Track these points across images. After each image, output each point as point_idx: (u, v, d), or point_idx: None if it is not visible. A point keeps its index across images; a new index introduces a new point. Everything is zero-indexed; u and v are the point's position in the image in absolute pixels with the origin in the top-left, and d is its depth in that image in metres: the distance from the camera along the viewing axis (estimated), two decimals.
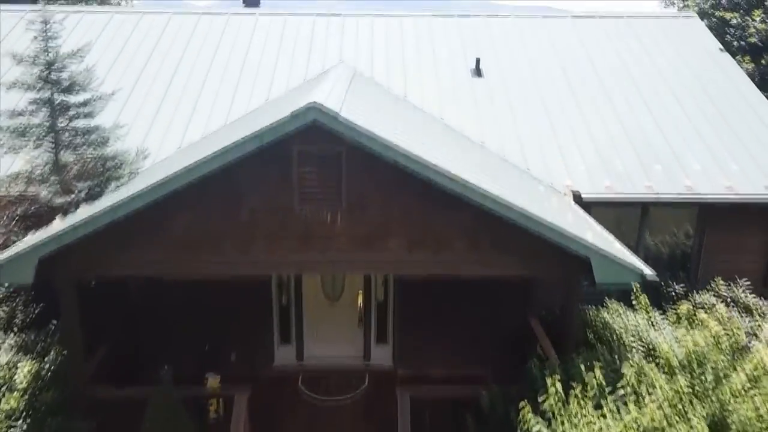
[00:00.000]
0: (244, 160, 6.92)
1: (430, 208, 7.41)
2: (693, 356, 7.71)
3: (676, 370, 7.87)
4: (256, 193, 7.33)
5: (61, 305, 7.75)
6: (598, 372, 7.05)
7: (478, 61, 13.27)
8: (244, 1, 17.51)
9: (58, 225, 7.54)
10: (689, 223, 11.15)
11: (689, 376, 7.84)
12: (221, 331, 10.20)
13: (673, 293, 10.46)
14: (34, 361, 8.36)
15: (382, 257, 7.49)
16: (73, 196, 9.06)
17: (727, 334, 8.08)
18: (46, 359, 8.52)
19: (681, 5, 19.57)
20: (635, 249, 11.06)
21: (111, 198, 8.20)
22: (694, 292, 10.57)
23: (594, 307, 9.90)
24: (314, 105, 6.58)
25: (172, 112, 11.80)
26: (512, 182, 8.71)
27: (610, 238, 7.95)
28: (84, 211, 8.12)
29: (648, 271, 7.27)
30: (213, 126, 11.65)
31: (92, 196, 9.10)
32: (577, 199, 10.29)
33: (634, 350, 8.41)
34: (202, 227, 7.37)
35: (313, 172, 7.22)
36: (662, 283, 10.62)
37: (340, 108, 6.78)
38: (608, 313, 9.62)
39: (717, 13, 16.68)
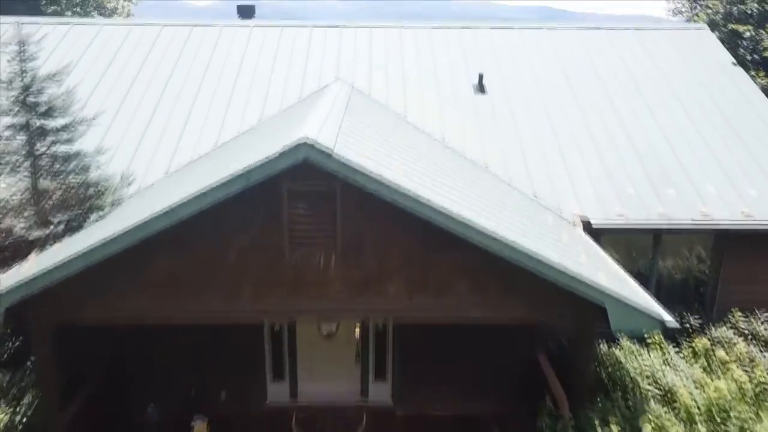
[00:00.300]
0: (229, 199, 6.36)
1: (431, 248, 6.86)
2: (716, 406, 7.17)
3: (697, 419, 7.33)
4: (243, 235, 6.77)
5: (35, 352, 7.20)
6: (615, 429, 6.50)
7: (480, 77, 12.70)
8: (239, 12, 16.94)
9: (30, 267, 6.98)
10: (705, 249, 10.59)
11: (710, 424, 7.31)
12: (210, 367, 9.64)
13: (689, 327, 9.89)
14: (8, 407, 7.84)
15: (380, 303, 6.94)
16: (51, 228, 8.53)
17: (752, 381, 7.54)
18: (21, 403, 7.99)
19: (690, 14, 18.95)
20: (647, 277, 10.57)
21: (88, 235, 7.65)
22: (711, 324, 10.00)
23: (605, 341, 9.36)
24: (305, 141, 6.03)
25: (161, 132, 11.24)
26: (518, 215, 8.14)
27: (627, 278, 7.39)
28: (59, 250, 7.57)
29: (668, 317, 6.71)
30: (204, 147, 11.09)
31: (71, 229, 8.56)
32: (587, 226, 9.74)
33: (651, 396, 7.84)
34: (185, 271, 6.81)
35: (305, 212, 6.66)
36: (677, 317, 10.05)
37: (334, 142, 6.22)
38: (621, 350, 9.06)
39: (729, 26, 16.06)
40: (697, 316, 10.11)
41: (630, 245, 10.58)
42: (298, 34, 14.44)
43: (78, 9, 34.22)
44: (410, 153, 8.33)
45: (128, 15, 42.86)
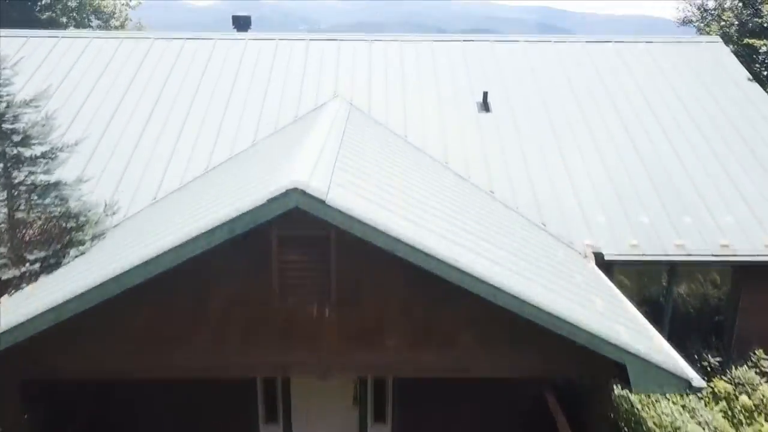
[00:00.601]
0: (213, 247, 5.79)
1: (434, 297, 6.27)
2: None
3: None
4: (229, 282, 6.19)
5: (1, 410, 6.62)
6: None
7: (485, 95, 12.12)
8: (234, 23, 16.37)
9: None
10: (722, 278, 10.03)
11: None
12: (199, 408, 9.06)
13: (708, 366, 9.32)
14: None
15: (378, 358, 6.37)
16: (27, 266, 7.96)
17: None
18: None
19: (700, 23, 18.28)
20: (661, 306, 10.02)
21: (65, 276, 7.08)
22: (731, 362, 9.43)
23: (618, 382, 8.78)
24: (296, 187, 5.45)
25: (148, 156, 10.67)
26: (527, 253, 7.56)
27: (649, 328, 6.81)
28: (33, 292, 7.01)
29: (694, 375, 6.12)
30: (193, 170, 10.53)
31: (48, 267, 7.99)
32: (600, 259, 9.17)
33: None
34: (165, 323, 6.24)
35: (296, 258, 6.09)
36: (695, 353, 9.50)
37: (327, 186, 5.64)
38: (636, 396, 8.49)
39: (745, 40, 15.44)
40: (715, 354, 9.54)
41: (643, 271, 10.03)
42: (294, 47, 13.87)
43: (74, 14, 33.68)
44: (412, 185, 7.75)
45: (125, 19, 42.36)
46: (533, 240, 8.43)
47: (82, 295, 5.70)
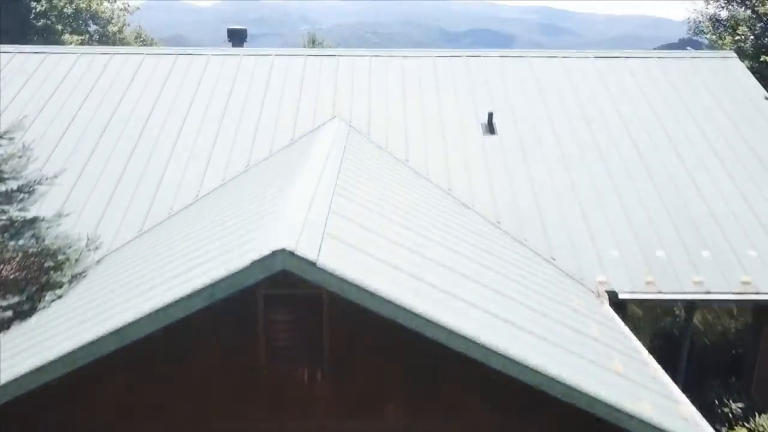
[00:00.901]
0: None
1: (438, 360, 5.70)
2: None
3: None
4: (212, 346, 5.64)
5: None
6: None
7: (490, 116, 11.54)
8: (229, 36, 15.81)
9: None
10: (743, 317, 9.46)
11: None
12: None
13: (730, 413, 8.74)
14: None
15: (376, 426, 5.80)
16: None
17: None
18: None
19: (713, 34, 17.65)
20: (677, 342, 9.46)
21: (39, 328, 6.53)
22: (752, 408, 8.85)
23: None
24: (283, 248, 4.88)
25: (135, 184, 10.09)
26: (538, 302, 6.98)
27: (672, 389, 6.23)
28: (2, 346, 6.45)
29: None
30: (183, 197, 9.97)
31: (22, 314, 7.43)
32: (613, 298, 8.60)
33: None
34: (144, 389, 5.68)
35: (286, 319, 5.55)
36: (714, 396, 8.94)
37: (318, 245, 5.08)
38: None
39: (762, 57, 14.79)
40: (736, 397, 8.97)
41: (655, 305, 9.49)
42: (291, 63, 13.30)
43: (70, 21, 33.14)
44: (412, 228, 7.18)
45: (123, 25, 41.88)
46: (544, 281, 7.85)
47: (44, 367, 5.13)
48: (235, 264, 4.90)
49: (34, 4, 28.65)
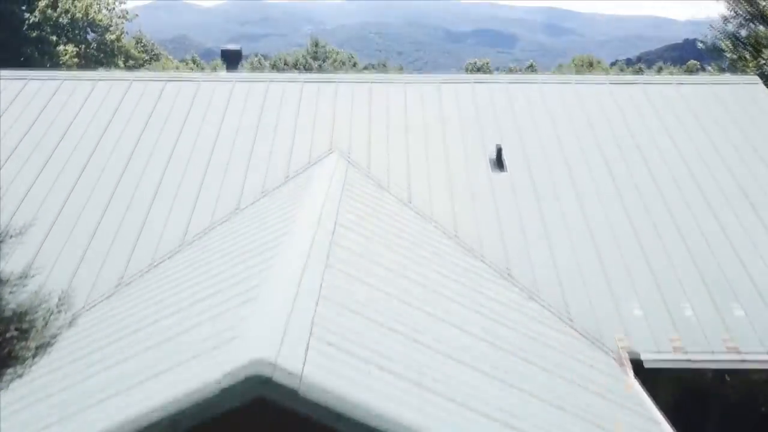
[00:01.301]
0: None
1: None
2: None
3: None
4: None
5: None
6: None
7: (499, 150, 10.74)
8: (223, 57, 15.05)
9: None
10: None
11: None
12: None
13: None
14: None
15: None
16: None
17: None
18: None
19: (732, 54, 16.73)
20: (704, 400, 8.65)
21: None
22: None
23: None
24: (257, 372, 4.07)
25: (113, 232, 9.32)
26: (559, 381, 6.19)
27: None
28: None
29: None
30: (167, 242, 9.22)
31: None
32: (637, 364, 7.79)
33: None
34: None
35: None
36: None
37: (302, 364, 4.27)
38: None
39: None
40: None
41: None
42: (286, 90, 12.52)
43: (66, 31, 32.43)
44: (414, 299, 6.39)
45: (122, 33, 41.27)
46: (562, 355, 7.04)
47: None
48: (198, 390, 4.09)
49: (27, 15, 27.94)
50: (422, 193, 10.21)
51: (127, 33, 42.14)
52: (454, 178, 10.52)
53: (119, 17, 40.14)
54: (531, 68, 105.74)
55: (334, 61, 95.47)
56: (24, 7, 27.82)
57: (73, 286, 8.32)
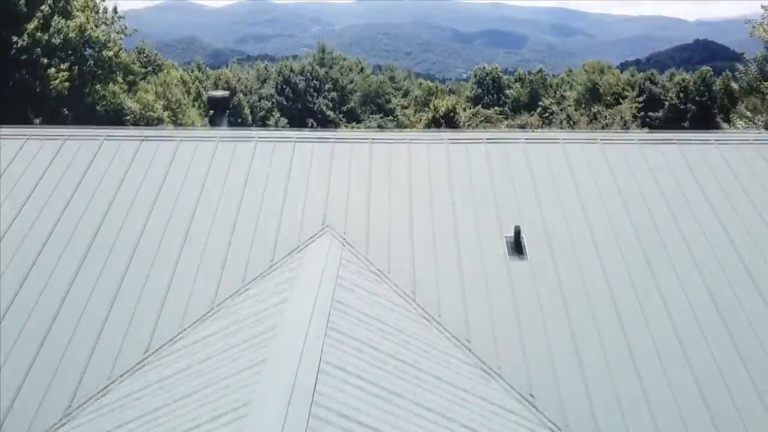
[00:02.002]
0: None
1: None
2: None
3: None
4: None
5: None
6: None
7: (517, 232, 9.29)
8: (209, 104, 13.65)
9: None
10: None
11: None
12: None
13: None
14: None
15: None
16: None
17: None
18: None
19: None
20: None
21: None
22: None
23: None
24: None
25: (63, 346, 7.92)
26: None
27: None
28: None
29: None
30: (125, 361, 7.84)
31: None
32: None
33: None
34: None
35: None
36: None
37: None
38: None
39: None
40: None
41: None
42: (276, 150, 11.11)
43: (58, 51, 31.10)
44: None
45: (120, 49, 40.11)
46: None
47: None
48: None
49: (15, 38, 26.66)
50: (429, 286, 8.79)
51: (125, 50, 40.94)
52: (465, 265, 9.08)
53: (118, 32, 38.96)
54: (540, 73, 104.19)
55: (341, 67, 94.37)
56: (11, 30, 26.54)
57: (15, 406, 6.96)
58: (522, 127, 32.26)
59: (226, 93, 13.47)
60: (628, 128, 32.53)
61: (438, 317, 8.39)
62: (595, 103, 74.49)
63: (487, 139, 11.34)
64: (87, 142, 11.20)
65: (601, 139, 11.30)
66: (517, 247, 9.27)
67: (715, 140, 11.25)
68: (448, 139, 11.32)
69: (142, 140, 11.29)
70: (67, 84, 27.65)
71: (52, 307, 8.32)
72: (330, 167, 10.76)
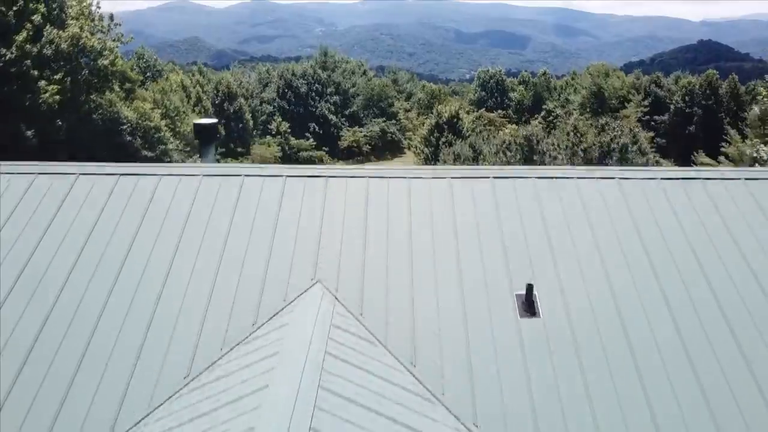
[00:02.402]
0: None
1: None
2: None
3: None
4: None
5: None
6: None
7: (529, 289, 8.35)
8: (195, 132, 12.73)
9: None
10: None
11: None
12: None
13: None
14: None
15: None
16: None
17: None
18: None
19: None
20: None
21: None
22: None
23: None
24: None
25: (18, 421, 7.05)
26: None
27: None
28: None
29: None
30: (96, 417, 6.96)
31: None
32: None
33: None
34: None
35: None
36: None
37: None
38: None
39: None
40: None
41: None
42: (264, 188, 10.19)
43: (50, 62, 30.25)
44: None
45: (116, 57, 39.33)
46: None
47: None
48: None
49: (3, 50, 25.80)
50: (431, 353, 7.85)
51: (121, 58, 40.12)
52: (471, 327, 8.14)
53: (114, 40, 38.18)
54: (544, 76, 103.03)
55: (344, 71, 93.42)
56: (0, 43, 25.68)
57: None
58: (527, 138, 31.13)
59: (213, 120, 12.51)
60: (637, 140, 31.40)
61: (441, 391, 7.46)
62: (600, 107, 73.47)
63: (494, 176, 10.39)
64: (59, 178, 10.32)
65: (619, 176, 10.35)
66: (528, 304, 8.32)
67: (744, 177, 10.29)
68: (451, 176, 10.38)
69: (119, 176, 10.39)
70: (57, 97, 26.75)
71: (18, 356, 7.41)
72: (322, 208, 9.81)
